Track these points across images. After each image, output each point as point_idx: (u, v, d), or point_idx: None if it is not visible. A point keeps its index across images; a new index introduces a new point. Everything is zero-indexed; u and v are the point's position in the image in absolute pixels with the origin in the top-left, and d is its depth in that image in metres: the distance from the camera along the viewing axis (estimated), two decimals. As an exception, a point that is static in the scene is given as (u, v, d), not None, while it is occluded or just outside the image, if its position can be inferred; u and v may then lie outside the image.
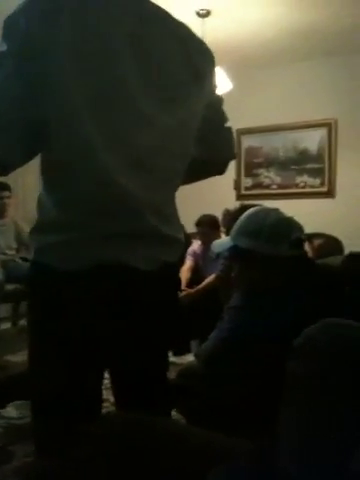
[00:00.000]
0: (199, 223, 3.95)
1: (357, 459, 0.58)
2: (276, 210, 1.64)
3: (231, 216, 2.48)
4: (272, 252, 1.50)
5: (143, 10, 1.07)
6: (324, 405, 0.70)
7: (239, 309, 1.60)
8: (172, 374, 1.81)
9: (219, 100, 1.30)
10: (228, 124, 1.33)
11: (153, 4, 1.10)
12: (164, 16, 1.11)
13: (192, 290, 3.81)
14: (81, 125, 0.97)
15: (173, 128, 1.10)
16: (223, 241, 1.74)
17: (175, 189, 1.23)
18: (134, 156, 1.05)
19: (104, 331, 1.07)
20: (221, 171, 1.41)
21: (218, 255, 2.51)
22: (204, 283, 3.74)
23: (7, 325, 4.13)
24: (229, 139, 1.35)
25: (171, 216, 1.21)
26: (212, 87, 1.25)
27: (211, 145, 1.27)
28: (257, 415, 1.33)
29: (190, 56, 1.14)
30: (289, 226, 1.57)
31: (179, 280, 1.37)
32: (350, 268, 1.66)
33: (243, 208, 2.08)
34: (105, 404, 1.30)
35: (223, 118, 1.32)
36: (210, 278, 3.65)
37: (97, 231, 1.03)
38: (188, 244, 4.14)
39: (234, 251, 1.62)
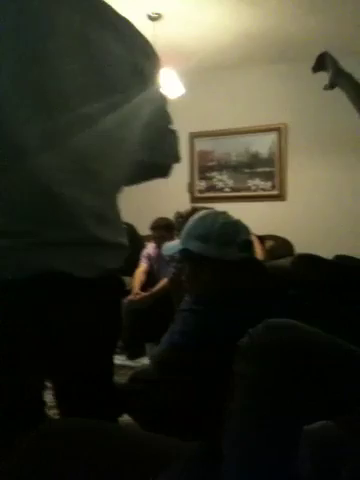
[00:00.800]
0: (153, 226, 3.96)
1: (294, 463, 0.59)
2: (224, 213, 1.67)
3: (182, 219, 2.49)
4: (221, 255, 1.52)
5: (89, 7, 1.04)
6: (265, 406, 0.71)
7: (190, 312, 1.60)
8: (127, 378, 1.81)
9: (164, 102, 1.27)
10: (172, 127, 1.30)
11: (100, 1, 1.07)
12: (110, 14, 1.08)
13: (146, 293, 3.81)
14: (14, 126, 0.94)
15: (114, 130, 1.07)
16: (173, 244, 1.74)
17: (117, 193, 1.20)
18: (73, 159, 1.02)
19: (39, 339, 1.04)
20: (165, 174, 1.38)
21: (170, 258, 2.52)
22: (158, 286, 3.75)
23: None
24: (174, 142, 1.33)
25: (113, 221, 1.17)
26: (156, 89, 1.22)
27: (155, 149, 1.25)
28: (208, 419, 1.34)
29: (134, 57, 1.11)
30: (237, 229, 1.59)
31: (122, 286, 1.34)
32: (297, 270, 1.70)
33: (194, 211, 2.10)
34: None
35: (168, 121, 1.29)
36: (164, 281, 3.66)
37: (35, 238, 0.99)
38: (142, 247, 4.13)
39: (184, 254, 1.63)
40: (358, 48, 4.18)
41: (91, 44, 1.02)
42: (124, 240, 1.21)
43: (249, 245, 1.60)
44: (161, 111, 1.25)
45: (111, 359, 1.31)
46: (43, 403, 1.14)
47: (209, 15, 3.79)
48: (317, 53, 4.38)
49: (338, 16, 3.70)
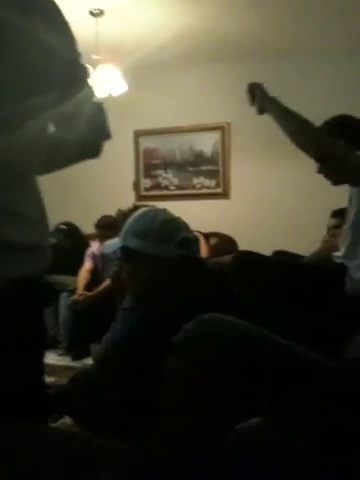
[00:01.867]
0: (98, 225, 3.91)
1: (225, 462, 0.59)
2: (164, 210, 1.67)
3: (124, 217, 2.47)
4: (159, 252, 1.51)
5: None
6: (194, 402, 0.71)
7: (130, 311, 1.59)
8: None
9: (84, 72, 1.14)
10: (97, 100, 1.21)
11: None
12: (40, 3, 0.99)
13: (91, 293, 3.76)
14: None
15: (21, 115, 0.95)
16: (113, 242, 1.72)
17: (31, 182, 1.07)
18: None
19: None
20: (96, 153, 1.25)
21: (104, 256, 2.50)
22: (102, 286, 3.71)
23: None
24: (99, 114, 1.20)
25: (26, 218, 1.03)
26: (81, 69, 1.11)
27: (79, 126, 1.12)
28: (145, 418, 1.33)
29: (72, 52, 1.04)
30: (176, 226, 1.59)
31: (44, 291, 1.22)
32: (236, 266, 1.73)
33: (135, 209, 2.09)
34: None
35: (90, 93, 1.18)
36: (108, 281, 3.63)
37: None
38: (86, 246, 4.08)
39: (123, 252, 1.62)
40: (295, 46, 4.30)
41: (10, 29, 0.92)
42: (43, 239, 1.08)
43: (189, 242, 1.60)
44: (85, 91, 1.12)
45: (38, 367, 1.20)
46: None
47: (151, 13, 3.78)
48: (258, 51, 4.47)
49: (277, 15, 3.78)
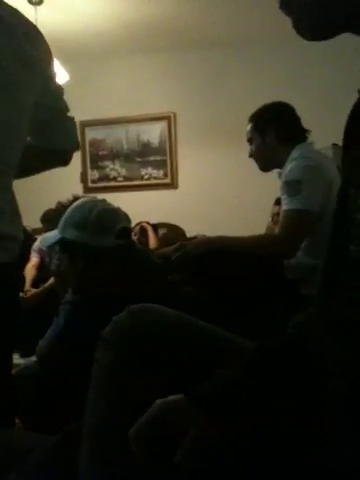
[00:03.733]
0: (43, 218, 3.83)
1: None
2: (103, 201, 1.65)
3: (63, 209, 2.42)
4: (97, 243, 1.49)
5: None
6: (120, 392, 0.70)
7: (70, 304, 1.57)
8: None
9: (59, 88, 1.27)
10: (70, 114, 1.30)
11: None
12: None
13: (38, 290, 3.68)
14: None
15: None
16: (51, 234, 1.69)
17: (7, 179, 1.15)
18: None
19: None
20: (65, 162, 1.36)
21: (49, 249, 2.45)
22: (49, 282, 3.64)
23: None
24: (72, 128, 1.32)
25: (5, 212, 1.11)
26: (49, 75, 1.21)
27: (53, 135, 1.24)
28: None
29: (19, 43, 1.08)
30: (115, 216, 1.58)
31: (15, 280, 1.28)
32: (179, 256, 1.73)
33: (75, 200, 2.05)
34: None
35: (65, 107, 1.28)
36: (49, 282, 3.58)
37: None
38: (32, 240, 3.98)
39: (62, 244, 1.59)
40: (240, 36, 4.32)
41: None
42: (17, 232, 1.16)
43: (128, 233, 1.59)
44: (55, 96, 1.24)
45: (7, 358, 1.27)
46: None
47: (91, 1, 3.70)
48: (203, 40, 4.44)
49: (222, 3, 3.77)
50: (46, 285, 3.65)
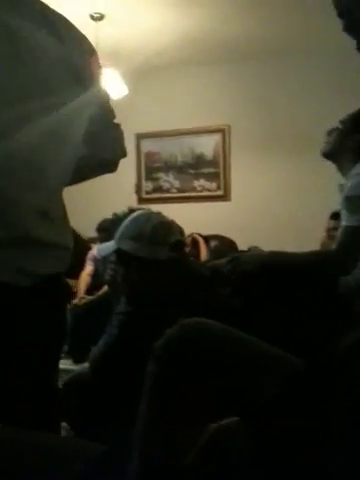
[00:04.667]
0: (98, 228, 3.91)
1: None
2: (158, 214, 1.67)
3: (119, 220, 2.48)
4: (152, 255, 1.52)
5: (19, 4, 1.00)
6: (171, 404, 0.71)
7: (123, 314, 1.60)
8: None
9: (106, 96, 1.25)
10: (116, 121, 1.27)
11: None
12: (41, 10, 1.05)
13: (91, 297, 3.77)
14: None
15: (56, 128, 1.04)
16: (108, 245, 1.73)
17: (61, 190, 1.16)
18: (12, 156, 0.96)
19: None
20: (112, 170, 1.35)
21: (104, 259, 2.50)
22: (103, 290, 3.71)
23: None
24: (119, 137, 1.28)
25: (56, 220, 1.10)
26: (99, 87, 1.20)
27: (101, 144, 1.22)
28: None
29: (72, 56, 1.08)
30: (170, 229, 1.60)
31: (66, 290, 1.29)
32: (231, 269, 1.72)
33: (131, 212, 2.09)
34: None
35: (111, 115, 1.25)
36: (103, 290, 3.65)
37: None
38: (87, 249, 4.08)
39: (117, 255, 1.62)
40: (294, 47, 4.29)
41: (23, 42, 0.99)
42: (69, 241, 1.15)
43: (182, 246, 1.61)
44: (104, 107, 1.22)
45: (54, 367, 1.23)
46: None
47: (151, 16, 3.78)
48: (257, 53, 4.43)
49: (276, 16, 3.77)
50: (100, 293, 3.73)
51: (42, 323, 1.09)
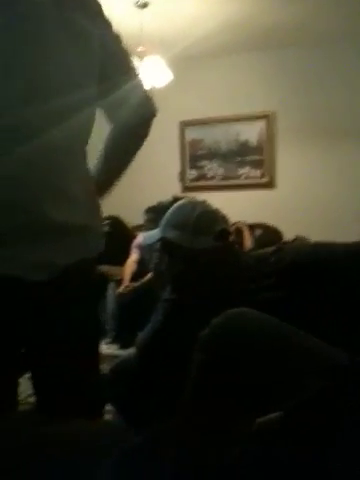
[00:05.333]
0: (145, 216, 3.95)
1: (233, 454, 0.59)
2: (203, 202, 1.67)
3: (163, 209, 2.50)
4: (196, 244, 1.52)
5: None
6: (217, 393, 0.72)
7: (167, 302, 1.62)
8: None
9: (116, 41, 1.10)
10: (136, 72, 1.15)
11: None
12: None
13: (136, 284, 3.82)
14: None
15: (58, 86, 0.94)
16: (153, 233, 1.75)
17: (81, 167, 1.03)
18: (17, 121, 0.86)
19: (10, 336, 0.95)
20: (145, 133, 1.18)
21: (150, 247, 2.53)
22: (147, 276, 3.76)
23: None
24: (138, 86, 1.14)
25: (79, 198, 0.98)
26: (101, 31, 1.05)
27: (118, 98, 1.08)
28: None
29: (100, 29, 1.03)
30: (214, 218, 1.59)
31: (99, 279, 1.18)
32: (276, 259, 1.70)
33: (175, 201, 2.10)
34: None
35: (125, 61, 1.12)
36: (148, 276, 3.70)
37: None
38: (131, 237, 4.14)
39: (162, 243, 1.64)
40: (340, 33, 4.15)
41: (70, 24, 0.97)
42: (98, 222, 1.04)
43: (225, 234, 1.60)
44: (114, 51, 1.10)
45: (93, 354, 1.18)
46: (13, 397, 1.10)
47: (194, 3, 3.75)
48: (301, 39, 4.32)
49: (320, 2, 3.66)
50: (144, 280, 3.78)
51: (76, 311, 1.01)
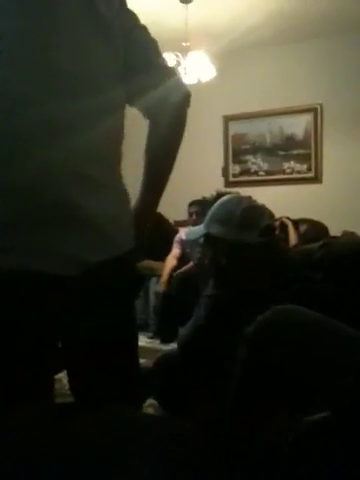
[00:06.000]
0: (189, 211, 3.96)
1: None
2: (248, 198, 1.65)
3: (208, 204, 2.48)
4: (241, 239, 1.50)
5: None
6: (264, 390, 0.71)
7: (211, 298, 1.61)
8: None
9: (142, 33, 1.06)
10: (165, 63, 1.10)
11: None
12: None
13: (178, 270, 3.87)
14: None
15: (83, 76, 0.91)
16: (197, 228, 1.74)
17: (115, 154, 1.00)
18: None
19: (46, 332, 0.93)
20: (182, 115, 1.11)
21: (193, 242, 2.52)
22: (184, 267, 3.81)
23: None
24: (169, 74, 1.08)
25: (112, 187, 0.95)
26: (124, 22, 1.01)
27: (153, 92, 1.03)
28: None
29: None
30: (260, 213, 1.57)
31: (133, 275, 1.04)
32: (323, 253, 1.67)
33: (219, 196, 2.08)
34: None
35: (153, 50, 1.07)
36: (190, 264, 3.71)
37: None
38: (172, 232, 4.15)
39: (206, 238, 1.63)
40: None
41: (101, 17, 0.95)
42: (124, 212, 1.00)
43: (271, 230, 1.58)
44: (141, 41, 1.06)
45: (129, 350, 1.14)
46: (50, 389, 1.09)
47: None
48: (348, 29, 4.21)
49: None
50: (181, 270, 3.82)
51: (108, 308, 0.97)
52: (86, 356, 1.01)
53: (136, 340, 1.13)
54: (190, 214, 3.93)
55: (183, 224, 4.17)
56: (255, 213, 1.57)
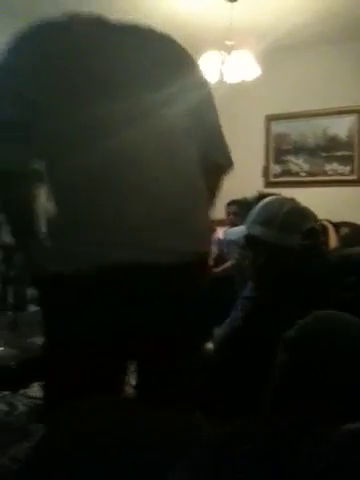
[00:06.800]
0: (228, 211, 3.94)
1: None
2: (292, 200, 1.63)
3: (248, 205, 2.47)
4: (282, 242, 1.49)
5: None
6: (305, 396, 0.70)
7: (250, 300, 1.60)
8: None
9: (207, 97, 1.21)
10: (219, 124, 1.24)
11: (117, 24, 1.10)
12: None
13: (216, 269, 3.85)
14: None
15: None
16: (238, 229, 1.74)
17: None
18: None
19: (115, 329, 1.03)
20: (221, 177, 1.32)
21: (233, 242, 2.51)
22: (221, 267, 3.78)
23: (35, 308, 4.21)
24: (225, 141, 1.26)
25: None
26: (193, 85, 1.16)
27: (212, 145, 1.21)
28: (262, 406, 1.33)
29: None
30: (303, 216, 1.55)
31: (204, 270, 1.26)
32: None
33: (260, 197, 2.06)
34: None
35: (212, 116, 1.23)
36: (228, 263, 3.68)
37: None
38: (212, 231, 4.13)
39: (247, 238, 1.62)
40: None
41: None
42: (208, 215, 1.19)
43: (314, 233, 1.55)
44: (204, 107, 1.20)
45: (197, 349, 1.25)
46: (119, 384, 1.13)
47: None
48: None
49: None
50: (218, 269, 3.80)
51: (182, 303, 1.10)
52: (156, 347, 1.09)
53: (205, 336, 1.21)
54: (228, 214, 3.91)
55: (220, 223, 4.15)
56: (298, 216, 1.55)
